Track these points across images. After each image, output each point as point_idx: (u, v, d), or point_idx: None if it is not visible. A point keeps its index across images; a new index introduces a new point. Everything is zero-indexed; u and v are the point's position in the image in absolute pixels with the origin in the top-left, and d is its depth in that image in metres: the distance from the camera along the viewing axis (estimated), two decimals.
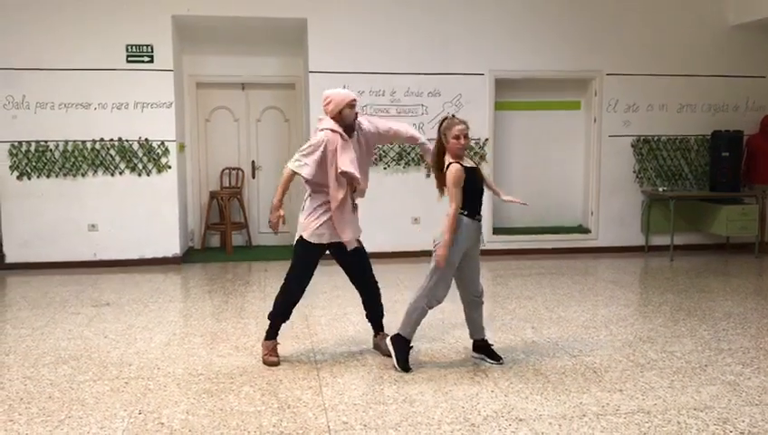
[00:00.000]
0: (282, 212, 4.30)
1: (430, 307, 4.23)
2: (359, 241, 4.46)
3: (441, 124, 4.13)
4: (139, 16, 7.59)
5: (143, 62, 7.65)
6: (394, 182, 8.07)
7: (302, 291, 4.42)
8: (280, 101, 8.92)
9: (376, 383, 4.04)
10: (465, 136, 4.07)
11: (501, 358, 4.37)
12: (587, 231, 8.68)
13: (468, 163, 4.15)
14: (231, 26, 8.11)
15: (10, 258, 7.61)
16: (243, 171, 8.89)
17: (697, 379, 4.10)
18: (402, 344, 4.28)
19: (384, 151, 8.02)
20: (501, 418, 3.53)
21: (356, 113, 4.34)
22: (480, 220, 4.18)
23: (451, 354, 4.56)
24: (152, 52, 7.65)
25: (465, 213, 4.08)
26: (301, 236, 4.36)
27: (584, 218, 8.82)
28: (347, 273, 4.57)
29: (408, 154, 8.07)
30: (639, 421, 3.48)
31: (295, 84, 8.70)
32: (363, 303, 4.63)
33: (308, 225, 4.34)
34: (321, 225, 4.30)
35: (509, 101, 8.56)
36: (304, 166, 4.20)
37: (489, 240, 8.28)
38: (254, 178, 8.96)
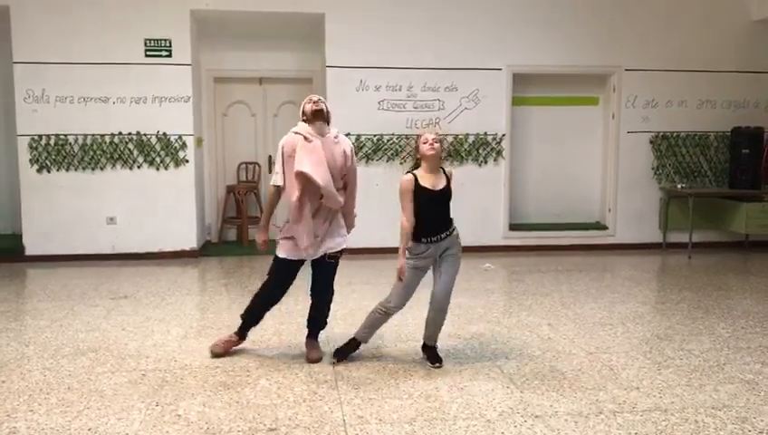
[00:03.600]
0: (266, 237, 4.28)
1: (383, 313, 4.22)
2: (331, 256, 4.23)
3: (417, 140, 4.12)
4: (158, 11, 7.64)
5: (162, 56, 7.69)
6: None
7: (279, 297, 4.35)
8: (297, 96, 8.91)
9: (391, 378, 4.04)
10: (433, 142, 4.00)
11: (440, 361, 4.25)
12: (604, 228, 8.63)
13: (428, 182, 4.00)
14: (249, 21, 8.13)
15: (30, 250, 7.69)
16: (259, 166, 8.92)
17: (715, 377, 4.06)
18: (352, 345, 4.35)
19: (400, 147, 8.01)
20: (516, 414, 3.52)
21: (314, 113, 4.09)
22: (436, 241, 4.02)
23: (466, 350, 4.55)
24: (170, 46, 7.69)
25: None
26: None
27: (602, 215, 8.76)
28: (312, 279, 4.38)
29: None
30: (656, 419, 3.46)
31: (313, 79, 8.71)
32: (310, 309, 4.52)
33: (279, 241, 4.25)
34: (287, 239, 4.19)
35: (526, 96, 8.52)
36: (276, 174, 4.14)
37: (506, 236, 8.31)
38: (270, 172, 8.97)
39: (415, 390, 3.85)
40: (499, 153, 8.20)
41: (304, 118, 4.13)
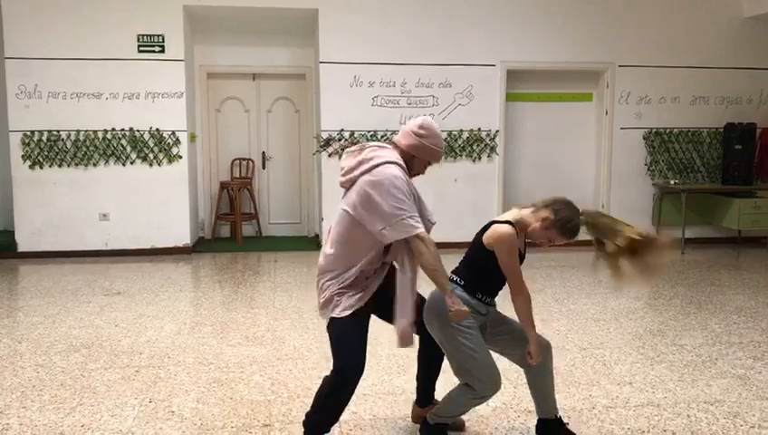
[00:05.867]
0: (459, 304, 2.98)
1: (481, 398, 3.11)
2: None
3: (559, 217, 3.23)
4: (151, 6, 7.59)
5: (154, 52, 7.66)
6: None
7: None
8: (290, 92, 8.91)
9: (385, 374, 4.05)
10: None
11: None
12: None
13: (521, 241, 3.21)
14: (242, 16, 8.10)
15: (22, 247, 7.66)
16: (253, 162, 8.90)
17: (708, 372, 4.08)
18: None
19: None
20: (510, 409, 3.53)
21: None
22: (490, 304, 3.27)
23: None
24: (163, 42, 7.66)
25: (462, 283, 3.18)
26: (332, 317, 3.06)
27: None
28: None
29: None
30: (649, 414, 3.47)
31: (306, 75, 8.69)
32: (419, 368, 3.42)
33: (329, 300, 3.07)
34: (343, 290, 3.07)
35: (520, 92, 8.52)
36: (412, 218, 2.96)
37: None
38: (264, 168, 8.97)
39: (408, 386, 3.85)
40: (493, 149, 8.20)
41: (406, 150, 3.02)
